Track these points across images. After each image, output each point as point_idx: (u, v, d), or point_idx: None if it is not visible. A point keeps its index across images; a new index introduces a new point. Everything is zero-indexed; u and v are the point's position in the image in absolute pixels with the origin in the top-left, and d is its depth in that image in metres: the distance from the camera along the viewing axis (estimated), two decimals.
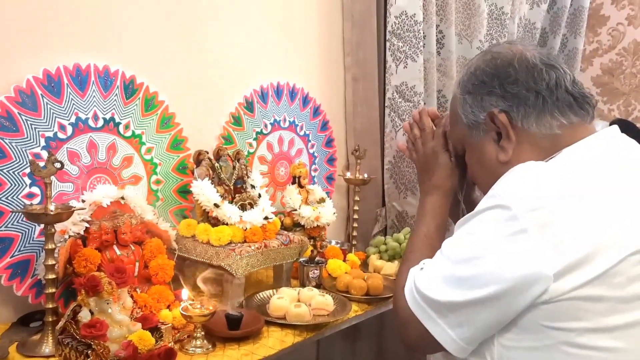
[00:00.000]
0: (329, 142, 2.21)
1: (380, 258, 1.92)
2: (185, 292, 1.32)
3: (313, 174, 2.16)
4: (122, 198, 1.43)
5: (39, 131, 1.34)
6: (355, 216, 2.08)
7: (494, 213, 0.82)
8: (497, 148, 0.98)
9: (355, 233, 2.09)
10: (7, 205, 1.29)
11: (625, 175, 0.85)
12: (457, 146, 1.15)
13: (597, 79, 3.23)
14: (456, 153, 1.21)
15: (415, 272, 0.96)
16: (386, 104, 2.19)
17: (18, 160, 1.31)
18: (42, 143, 1.35)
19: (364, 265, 1.93)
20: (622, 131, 0.95)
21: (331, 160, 2.23)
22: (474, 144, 1.05)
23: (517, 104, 0.94)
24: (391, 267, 1.83)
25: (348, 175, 2.08)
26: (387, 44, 2.14)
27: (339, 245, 2.00)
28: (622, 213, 0.79)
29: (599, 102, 3.23)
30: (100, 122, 1.47)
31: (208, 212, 1.55)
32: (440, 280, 0.88)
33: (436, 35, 2.26)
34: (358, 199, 2.08)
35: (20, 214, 1.30)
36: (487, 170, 1.02)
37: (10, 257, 1.30)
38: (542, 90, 0.92)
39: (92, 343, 1.09)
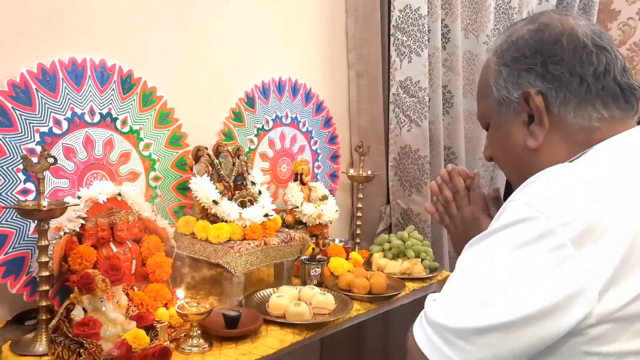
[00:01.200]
0: (333, 139, 2.18)
1: (384, 256, 1.88)
2: (181, 291, 1.29)
3: (316, 171, 2.13)
4: (119, 194, 1.41)
5: (33, 126, 1.32)
6: (359, 214, 2.05)
7: (523, 226, 0.72)
8: (527, 132, 0.88)
9: (359, 231, 2.05)
10: (1, 202, 1.27)
11: None
12: (482, 121, 1.02)
13: None
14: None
15: (426, 305, 0.82)
16: (390, 100, 2.16)
17: (12, 156, 1.29)
18: (37, 138, 1.33)
19: (368, 263, 1.89)
20: None
21: (335, 157, 2.20)
22: (501, 122, 0.93)
23: (557, 87, 0.84)
24: (395, 266, 1.80)
25: (351, 172, 2.05)
26: (392, 38, 2.11)
27: (342, 243, 1.97)
28: None
29: None
30: (97, 117, 1.45)
31: (207, 209, 1.52)
32: (457, 305, 0.75)
33: (441, 30, 2.23)
34: (362, 196, 2.04)
35: (13, 210, 1.28)
36: (511, 154, 0.93)
37: (4, 254, 1.28)
38: (587, 77, 0.82)
39: (84, 342, 1.06)
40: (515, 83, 0.88)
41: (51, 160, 1.16)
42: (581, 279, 0.67)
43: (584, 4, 2.90)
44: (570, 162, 0.83)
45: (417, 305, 1.67)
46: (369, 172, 2.02)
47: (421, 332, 0.78)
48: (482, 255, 0.76)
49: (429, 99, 2.18)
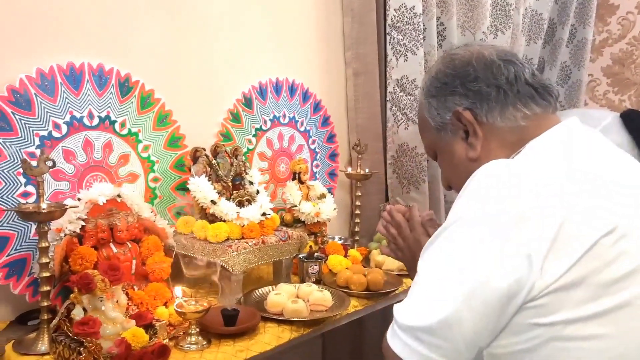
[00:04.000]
0: (331, 138, 2.20)
1: (382, 253, 1.90)
2: (179, 289, 1.31)
3: (315, 170, 2.15)
4: (119, 196, 1.43)
5: (33, 130, 1.35)
6: (358, 212, 2.07)
7: (461, 225, 0.80)
8: (466, 146, 0.99)
9: (357, 229, 2.07)
10: (1, 204, 1.30)
11: (587, 159, 0.84)
12: (429, 152, 1.14)
13: (608, 69, 3.18)
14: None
15: (395, 313, 0.86)
16: (387, 98, 2.18)
17: (13, 160, 1.31)
18: (37, 142, 1.35)
19: (366, 260, 1.91)
20: (633, 121, 0.94)
21: (333, 156, 2.22)
22: (443, 146, 1.05)
23: (479, 100, 0.95)
24: (392, 263, 1.82)
25: (349, 170, 2.07)
26: (387, 37, 2.12)
27: (342, 241, 1.99)
28: (586, 197, 0.77)
29: (610, 92, 3.18)
30: (96, 121, 1.47)
31: (205, 209, 1.55)
32: (419, 303, 0.81)
33: (437, 28, 2.24)
34: (360, 194, 2.06)
35: (13, 212, 1.30)
36: (459, 169, 1.01)
37: (7, 256, 1.31)
38: (502, 85, 0.94)
39: (84, 340, 1.09)
40: (444, 108, 1.00)
41: (50, 163, 1.18)
42: (523, 265, 0.74)
43: None
44: (512, 158, 0.91)
45: None
46: (367, 170, 2.04)
47: (396, 340, 0.83)
48: (433, 254, 0.83)
49: None
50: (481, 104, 0.95)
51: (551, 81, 1.00)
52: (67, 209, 1.23)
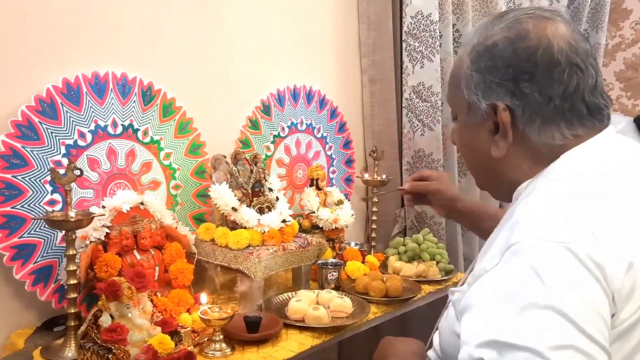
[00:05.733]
0: (347, 144, 2.21)
1: (400, 259, 1.91)
2: (204, 296, 1.33)
3: (331, 175, 2.16)
4: (142, 203, 1.45)
5: (59, 139, 1.37)
6: (374, 217, 2.07)
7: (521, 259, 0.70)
8: (491, 140, 0.89)
9: (374, 234, 2.08)
10: (29, 212, 1.32)
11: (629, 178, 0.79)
12: (451, 107, 1.03)
13: (621, 74, 3.17)
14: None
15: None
16: (403, 105, 2.19)
17: (39, 168, 1.33)
18: (63, 151, 1.38)
19: (383, 266, 1.92)
20: None
21: (349, 162, 2.23)
22: (469, 123, 0.94)
23: (525, 105, 0.84)
24: (410, 269, 1.82)
25: (366, 176, 2.08)
26: (403, 44, 2.13)
27: (358, 247, 2.00)
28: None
29: (623, 97, 3.17)
30: (119, 129, 1.49)
31: (226, 216, 1.56)
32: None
33: (453, 35, 2.25)
34: (377, 200, 2.07)
35: (41, 220, 1.32)
36: (475, 155, 0.95)
37: (34, 263, 1.33)
38: (555, 97, 0.83)
39: (112, 347, 1.10)
40: (485, 92, 0.88)
41: (77, 172, 1.20)
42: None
43: (595, 4, 2.90)
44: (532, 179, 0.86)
45: (433, 308, 1.71)
46: (384, 177, 2.05)
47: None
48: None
49: (442, 103, 2.20)
50: (525, 110, 0.84)
51: (608, 100, 0.88)
52: (94, 217, 1.25)
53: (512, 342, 0.64)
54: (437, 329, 1.02)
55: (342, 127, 2.18)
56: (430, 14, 2.09)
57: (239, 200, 1.58)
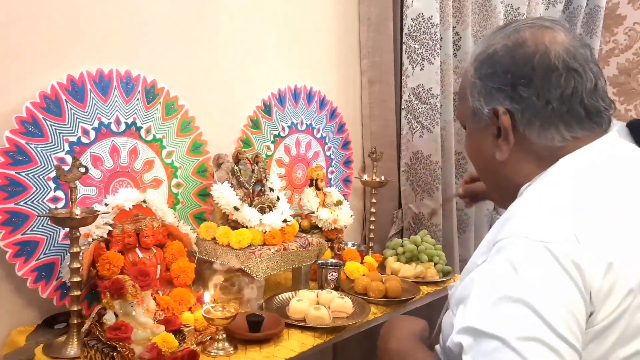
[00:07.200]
0: (346, 145, 2.22)
1: (398, 260, 1.92)
2: (208, 295, 1.33)
3: (330, 176, 2.17)
4: (144, 201, 1.45)
5: (63, 136, 1.36)
6: (372, 218, 2.09)
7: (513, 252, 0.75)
8: (495, 144, 0.93)
9: (372, 235, 2.09)
10: (32, 209, 1.31)
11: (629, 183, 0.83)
12: (459, 119, 1.08)
13: (614, 79, 3.21)
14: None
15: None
16: (402, 106, 2.20)
17: (43, 165, 1.33)
18: (67, 148, 1.37)
19: (381, 267, 1.93)
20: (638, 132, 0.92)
21: (347, 163, 2.24)
22: (474, 129, 0.98)
23: (524, 108, 0.88)
24: (408, 270, 1.84)
25: (365, 177, 2.09)
26: (404, 46, 2.15)
27: (355, 247, 2.01)
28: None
29: (616, 102, 3.21)
30: (123, 127, 1.49)
31: (228, 215, 1.56)
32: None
33: (453, 37, 2.26)
34: (375, 201, 2.08)
35: (45, 217, 1.32)
36: (482, 159, 0.99)
37: (36, 260, 1.32)
38: (553, 100, 0.86)
39: (117, 345, 1.10)
40: (487, 98, 0.92)
41: (83, 169, 1.20)
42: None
43: (590, 9, 2.93)
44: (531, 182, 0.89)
45: (431, 309, 1.72)
46: (383, 178, 2.06)
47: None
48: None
49: (441, 105, 2.22)
50: (524, 113, 0.88)
51: (610, 104, 0.90)
52: (98, 214, 1.25)
53: (485, 330, 0.71)
54: (439, 324, 1.04)
55: (341, 128, 2.18)
56: (431, 16, 2.10)
57: (241, 199, 1.58)
